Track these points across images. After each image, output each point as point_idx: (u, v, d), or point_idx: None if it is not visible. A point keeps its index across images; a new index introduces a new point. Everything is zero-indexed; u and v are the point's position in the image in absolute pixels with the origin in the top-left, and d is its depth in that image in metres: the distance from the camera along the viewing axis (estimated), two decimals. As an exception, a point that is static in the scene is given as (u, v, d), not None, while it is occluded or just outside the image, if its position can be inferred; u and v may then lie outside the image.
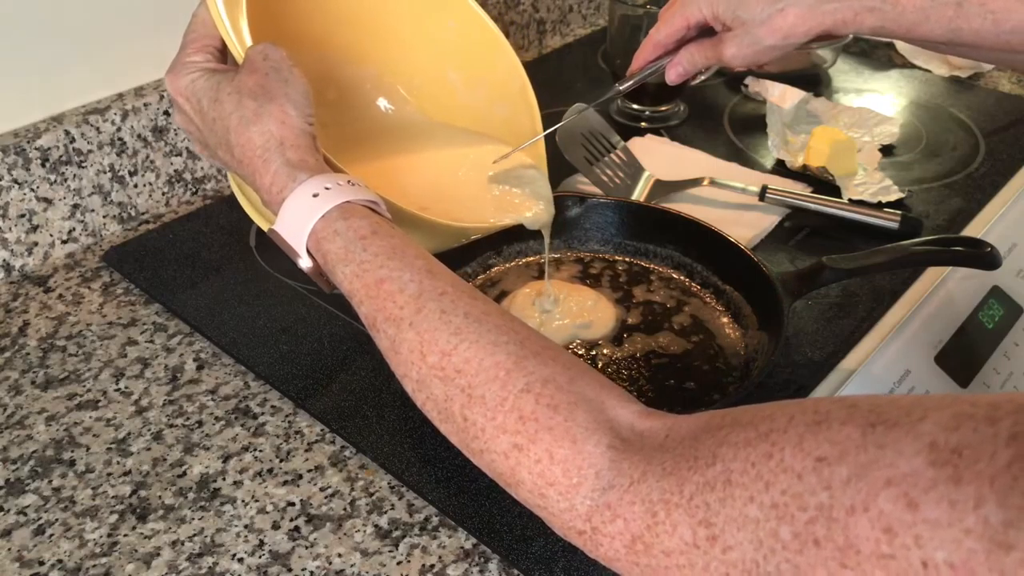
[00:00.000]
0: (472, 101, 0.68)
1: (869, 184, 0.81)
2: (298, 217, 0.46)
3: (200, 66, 0.52)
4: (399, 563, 0.51)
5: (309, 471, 0.57)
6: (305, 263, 0.47)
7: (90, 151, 0.75)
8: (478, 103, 0.68)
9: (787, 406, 0.32)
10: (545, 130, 0.65)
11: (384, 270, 0.43)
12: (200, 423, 0.60)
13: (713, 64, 0.64)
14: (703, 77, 0.91)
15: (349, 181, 0.47)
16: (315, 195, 0.45)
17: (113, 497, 0.55)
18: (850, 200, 0.79)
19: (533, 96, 0.66)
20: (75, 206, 0.76)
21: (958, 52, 0.60)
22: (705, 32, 0.64)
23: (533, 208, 0.63)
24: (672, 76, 0.65)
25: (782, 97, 0.91)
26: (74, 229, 0.77)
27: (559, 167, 0.80)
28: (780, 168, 0.86)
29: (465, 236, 0.60)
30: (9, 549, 0.52)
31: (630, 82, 0.66)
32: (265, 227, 0.61)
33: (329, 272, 0.46)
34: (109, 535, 0.53)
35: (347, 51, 0.67)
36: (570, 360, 0.41)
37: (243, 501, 0.55)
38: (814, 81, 1.02)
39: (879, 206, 0.78)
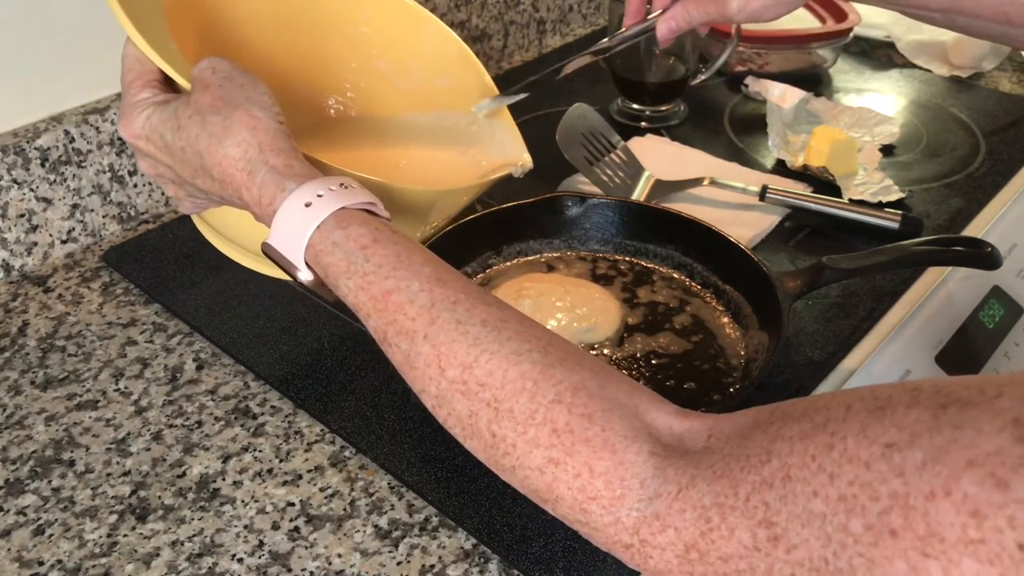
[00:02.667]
0: (412, 84, 0.66)
1: (869, 184, 0.81)
2: (292, 230, 0.43)
3: (150, 102, 0.49)
4: (399, 563, 0.51)
5: (309, 471, 0.57)
6: (305, 276, 0.44)
7: (90, 151, 0.75)
8: (418, 84, 0.66)
9: (841, 395, 0.30)
10: (499, 84, 0.64)
11: (390, 281, 0.41)
12: (200, 423, 0.60)
13: (712, 19, 0.62)
14: (703, 76, 0.91)
15: (341, 184, 0.44)
16: (307, 204, 0.43)
17: (113, 497, 0.55)
18: (850, 200, 0.79)
19: (472, 55, 0.64)
20: (75, 206, 0.76)
21: (955, 25, 0.58)
22: None
23: (514, 159, 0.62)
24: (663, 31, 0.63)
25: (782, 97, 0.91)
26: (74, 229, 0.77)
27: (559, 167, 0.80)
28: (780, 168, 0.86)
29: (457, 200, 0.58)
30: (9, 549, 0.52)
31: (628, 32, 0.65)
32: (253, 265, 0.58)
33: (332, 286, 0.43)
34: (109, 535, 0.53)
35: (273, 78, 0.66)
36: (596, 364, 0.39)
37: (243, 501, 0.55)
38: (814, 81, 1.02)
39: (879, 206, 0.78)
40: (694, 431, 0.35)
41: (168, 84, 0.50)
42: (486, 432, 0.38)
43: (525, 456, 0.37)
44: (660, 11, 0.64)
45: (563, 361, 0.38)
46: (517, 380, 0.37)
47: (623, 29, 0.66)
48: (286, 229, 0.44)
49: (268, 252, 0.45)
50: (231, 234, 0.58)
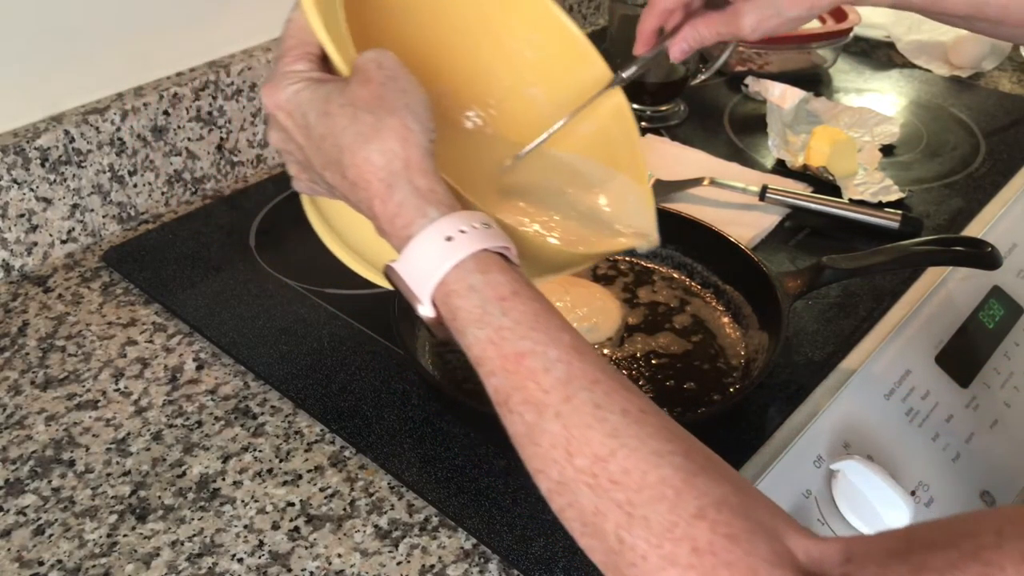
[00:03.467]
0: (558, 119, 0.61)
1: (869, 184, 0.81)
2: (426, 261, 0.40)
3: (303, 76, 0.44)
4: (399, 563, 0.51)
5: (309, 471, 0.57)
6: (426, 311, 0.40)
7: (89, 151, 0.75)
8: (566, 122, 0.61)
9: (986, 518, 0.29)
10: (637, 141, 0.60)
11: (527, 342, 0.37)
12: (200, 423, 0.60)
13: (724, 39, 0.60)
14: (703, 76, 0.91)
15: (484, 223, 0.41)
16: (448, 238, 0.39)
17: (113, 497, 0.55)
18: (850, 200, 0.79)
19: (628, 109, 0.60)
20: (74, 206, 0.76)
21: (976, 27, 0.58)
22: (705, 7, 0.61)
23: (642, 230, 0.57)
24: (676, 53, 0.61)
25: (782, 97, 0.91)
26: (73, 229, 0.77)
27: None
28: (780, 168, 0.86)
29: (579, 264, 0.55)
30: (9, 549, 0.52)
31: (640, 60, 0.62)
32: (353, 265, 0.55)
33: (457, 332, 0.40)
34: (109, 535, 0.53)
35: (415, 70, 0.58)
36: (737, 477, 0.36)
37: (243, 501, 0.55)
38: (814, 81, 1.02)
39: (879, 206, 0.78)
40: (829, 557, 0.33)
41: (326, 63, 0.46)
42: (612, 536, 0.34)
43: (657, 572, 0.33)
44: (670, 34, 0.62)
45: (706, 470, 0.35)
46: (657, 485, 0.34)
47: (635, 56, 0.64)
48: (420, 259, 0.40)
49: (391, 276, 0.42)
50: (342, 229, 0.55)
